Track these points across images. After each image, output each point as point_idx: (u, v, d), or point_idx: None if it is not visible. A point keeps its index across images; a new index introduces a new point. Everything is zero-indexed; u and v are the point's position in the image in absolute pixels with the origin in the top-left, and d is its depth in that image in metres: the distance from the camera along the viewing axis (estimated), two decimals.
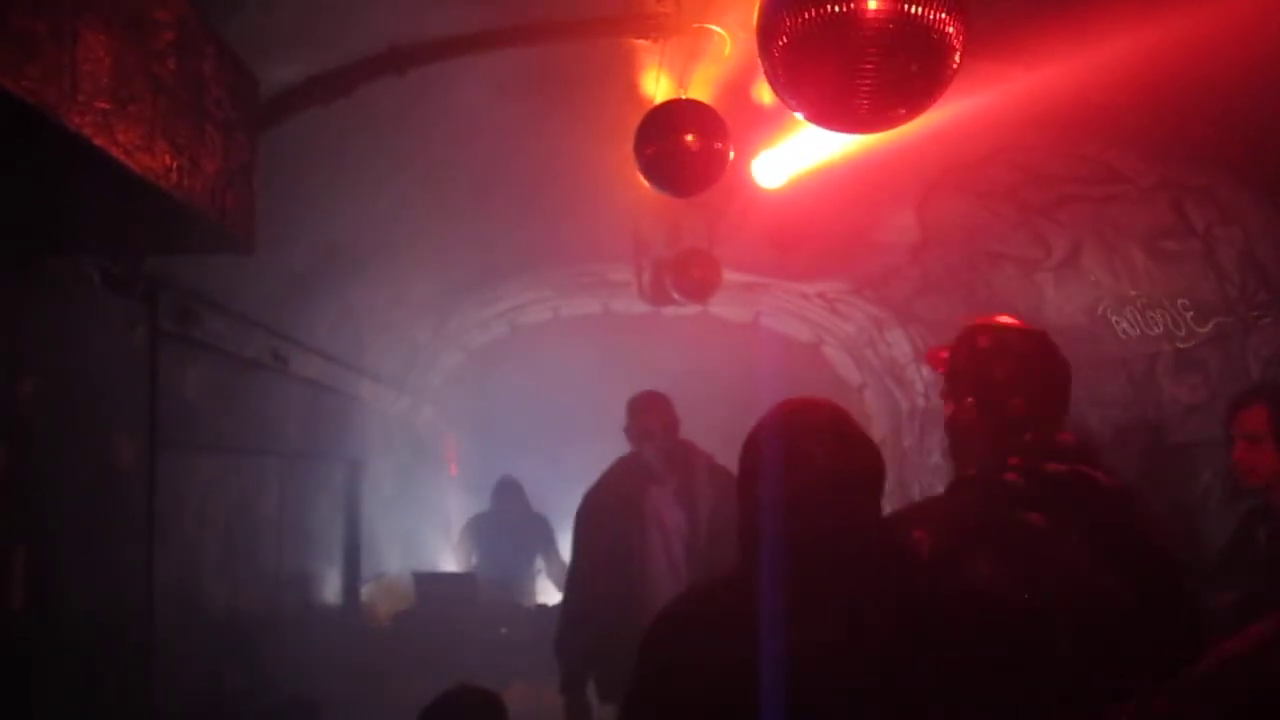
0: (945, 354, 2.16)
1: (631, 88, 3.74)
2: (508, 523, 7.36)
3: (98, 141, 2.02)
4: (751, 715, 1.59)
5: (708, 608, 1.82)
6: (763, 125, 3.82)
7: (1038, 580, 1.76)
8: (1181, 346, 3.99)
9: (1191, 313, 3.89)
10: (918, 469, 7.01)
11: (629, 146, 3.35)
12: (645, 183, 3.46)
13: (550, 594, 7.51)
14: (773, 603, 1.63)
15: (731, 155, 3.34)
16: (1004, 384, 1.97)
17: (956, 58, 1.93)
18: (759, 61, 2.03)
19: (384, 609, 6.79)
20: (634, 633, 2.22)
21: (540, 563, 7.40)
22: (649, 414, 4.07)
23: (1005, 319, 2.14)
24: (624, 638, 3.53)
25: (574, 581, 4.19)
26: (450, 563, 8.39)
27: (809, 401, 1.85)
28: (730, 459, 2.05)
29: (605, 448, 7.89)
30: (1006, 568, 1.77)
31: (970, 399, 2.01)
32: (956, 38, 1.90)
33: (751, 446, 1.84)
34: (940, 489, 6.46)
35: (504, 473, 7.57)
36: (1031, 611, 1.74)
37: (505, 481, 7.51)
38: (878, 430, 7.98)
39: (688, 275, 5.39)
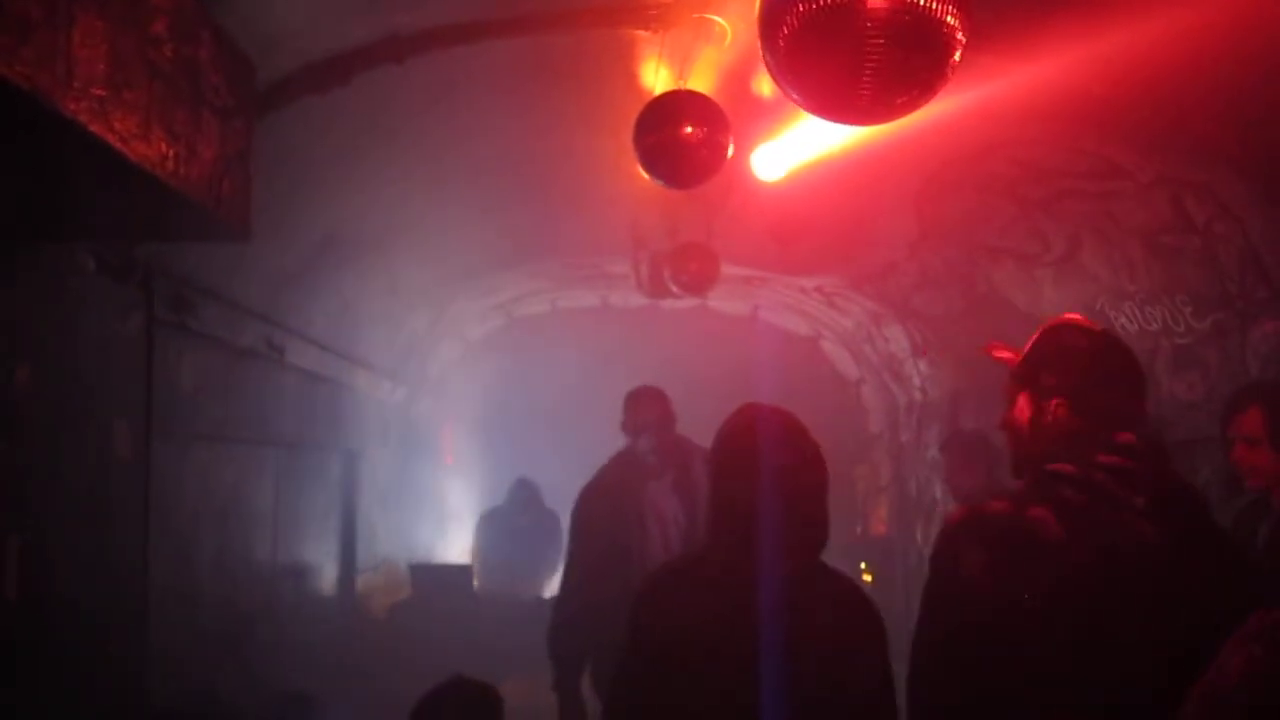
0: (1008, 351, 2.15)
1: (631, 78, 3.72)
2: (520, 520, 7.46)
3: (93, 128, 2.01)
4: (743, 663, 1.97)
5: (697, 569, 2.21)
6: (762, 117, 3.80)
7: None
8: (1180, 342, 3.99)
9: (1190, 308, 3.88)
10: (915, 464, 7.01)
11: (628, 138, 3.34)
12: (644, 174, 3.45)
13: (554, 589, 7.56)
14: (772, 568, 2.01)
15: (731, 147, 3.32)
16: (1099, 384, 1.96)
17: (958, 50, 1.92)
18: (760, 52, 2.02)
19: (380, 600, 6.79)
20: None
21: (550, 560, 7.47)
22: (645, 409, 4.08)
23: (1080, 319, 2.12)
24: (620, 624, 3.57)
25: (568, 579, 4.17)
26: (447, 554, 8.41)
27: (772, 408, 2.28)
28: None
29: (602, 439, 7.89)
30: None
31: (1058, 399, 2.00)
32: (958, 30, 1.89)
33: (731, 441, 2.24)
34: (937, 484, 6.47)
35: (520, 475, 7.70)
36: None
37: (523, 483, 7.64)
38: (875, 425, 7.99)
39: (686, 268, 5.38)
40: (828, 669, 2.06)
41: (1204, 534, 1.89)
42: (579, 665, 4.07)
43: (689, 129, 3.23)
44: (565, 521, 7.50)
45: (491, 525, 7.79)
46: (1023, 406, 2.05)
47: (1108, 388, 1.96)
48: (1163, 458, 1.93)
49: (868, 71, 1.90)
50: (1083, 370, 1.98)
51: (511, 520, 7.56)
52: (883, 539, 7.51)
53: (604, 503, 4.12)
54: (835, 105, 2.05)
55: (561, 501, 7.99)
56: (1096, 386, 1.96)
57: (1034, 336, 2.09)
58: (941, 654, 1.86)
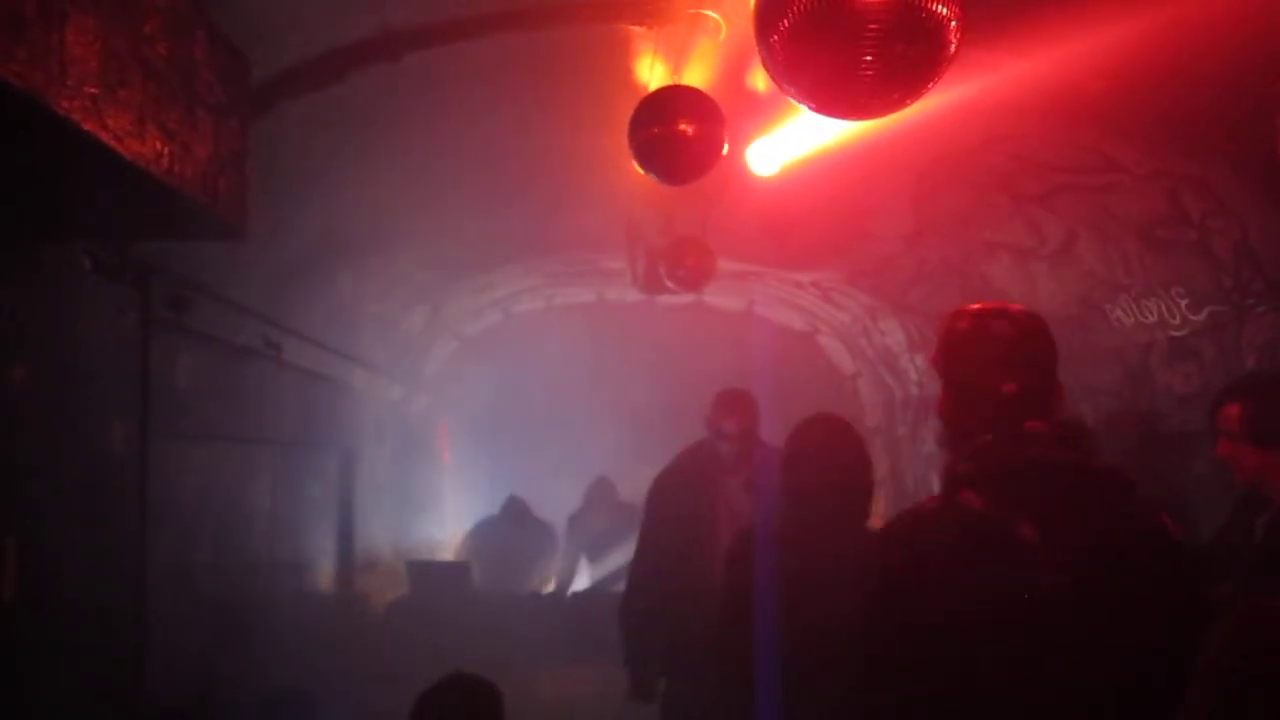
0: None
1: (626, 74, 3.71)
2: (512, 534, 7.48)
3: (87, 127, 2.00)
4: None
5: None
6: (757, 112, 3.80)
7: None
8: (1176, 335, 4.00)
9: (1186, 301, 3.89)
10: (911, 458, 7.02)
11: (623, 133, 3.34)
12: (639, 170, 3.45)
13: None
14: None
15: (726, 142, 3.32)
16: (989, 368, 1.94)
17: (954, 44, 1.92)
18: (755, 47, 2.02)
19: (378, 597, 6.79)
20: (697, 611, 3.53)
21: (541, 568, 7.52)
22: (728, 414, 4.09)
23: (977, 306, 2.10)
24: (686, 616, 3.85)
25: (638, 566, 4.28)
26: (444, 551, 8.41)
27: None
28: None
29: (598, 435, 7.91)
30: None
31: (951, 384, 2.00)
32: (954, 24, 1.90)
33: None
34: (933, 479, 6.46)
35: (512, 494, 7.74)
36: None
37: (514, 503, 7.67)
38: (871, 419, 7.99)
39: (682, 264, 5.37)
40: None
41: (1116, 527, 1.82)
42: (653, 653, 4.15)
43: (684, 124, 3.23)
44: (559, 530, 7.60)
45: (481, 536, 7.80)
46: (940, 395, 2.06)
47: (981, 372, 1.93)
48: (1070, 444, 1.88)
49: (864, 66, 1.90)
50: (954, 353, 1.98)
51: (503, 533, 7.58)
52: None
53: (677, 490, 4.20)
54: (832, 100, 2.05)
55: (560, 498, 8.04)
56: (965, 370, 1.96)
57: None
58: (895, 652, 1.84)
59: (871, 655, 1.88)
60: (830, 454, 2.90)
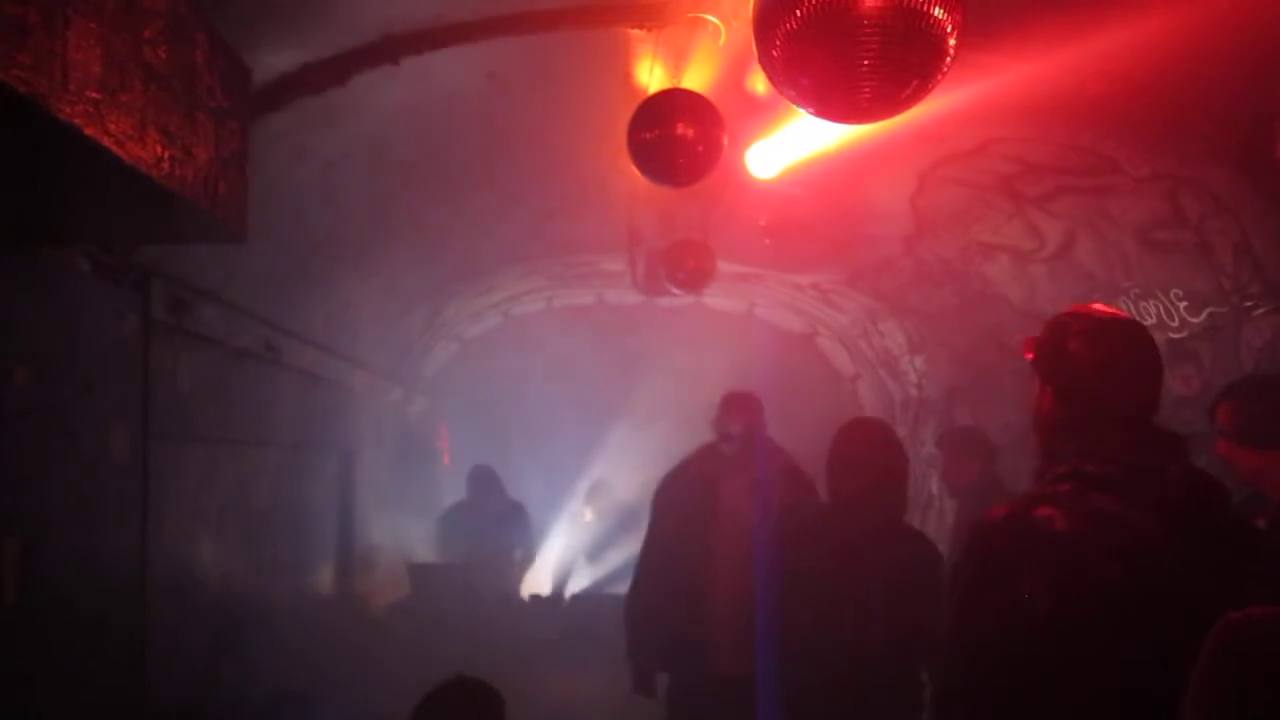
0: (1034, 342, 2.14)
1: (626, 77, 3.72)
2: (486, 512, 7.20)
3: (89, 131, 2.01)
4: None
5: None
6: (757, 115, 3.81)
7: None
8: (1175, 337, 4.00)
9: (1185, 303, 3.90)
10: (912, 459, 7.00)
11: (623, 136, 3.34)
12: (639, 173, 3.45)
13: (534, 586, 7.52)
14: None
15: (725, 145, 3.32)
16: (1106, 377, 1.93)
17: (952, 48, 1.93)
18: (754, 51, 2.03)
19: (378, 599, 6.79)
20: (699, 609, 3.93)
21: (519, 553, 7.35)
22: (736, 411, 4.17)
23: (1100, 308, 2.10)
24: (688, 613, 4.03)
25: (643, 564, 4.34)
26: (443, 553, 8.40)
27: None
28: None
29: (598, 437, 7.90)
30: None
31: (1047, 389, 2.00)
32: (952, 27, 1.90)
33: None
34: (933, 480, 6.47)
35: (478, 462, 7.39)
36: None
37: (480, 470, 7.31)
38: None
39: (682, 266, 5.38)
40: None
41: (1211, 527, 1.85)
42: (656, 649, 4.22)
43: (684, 127, 3.23)
44: (550, 512, 7.50)
45: (454, 519, 7.43)
46: (1036, 396, 2.06)
47: (1099, 378, 1.95)
48: (1167, 450, 1.91)
49: (864, 71, 1.91)
50: (1067, 359, 1.98)
51: (475, 510, 7.23)
52: None
53: (682, 490, 4.27)
54: (832, 104, 2.06)
55: (557, 498, 8.05)
56: (1082, 377, 1.96)
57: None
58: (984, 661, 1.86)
59: (972, 644, 1.87)
60: (873, 458, 3.26)
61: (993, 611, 1.83)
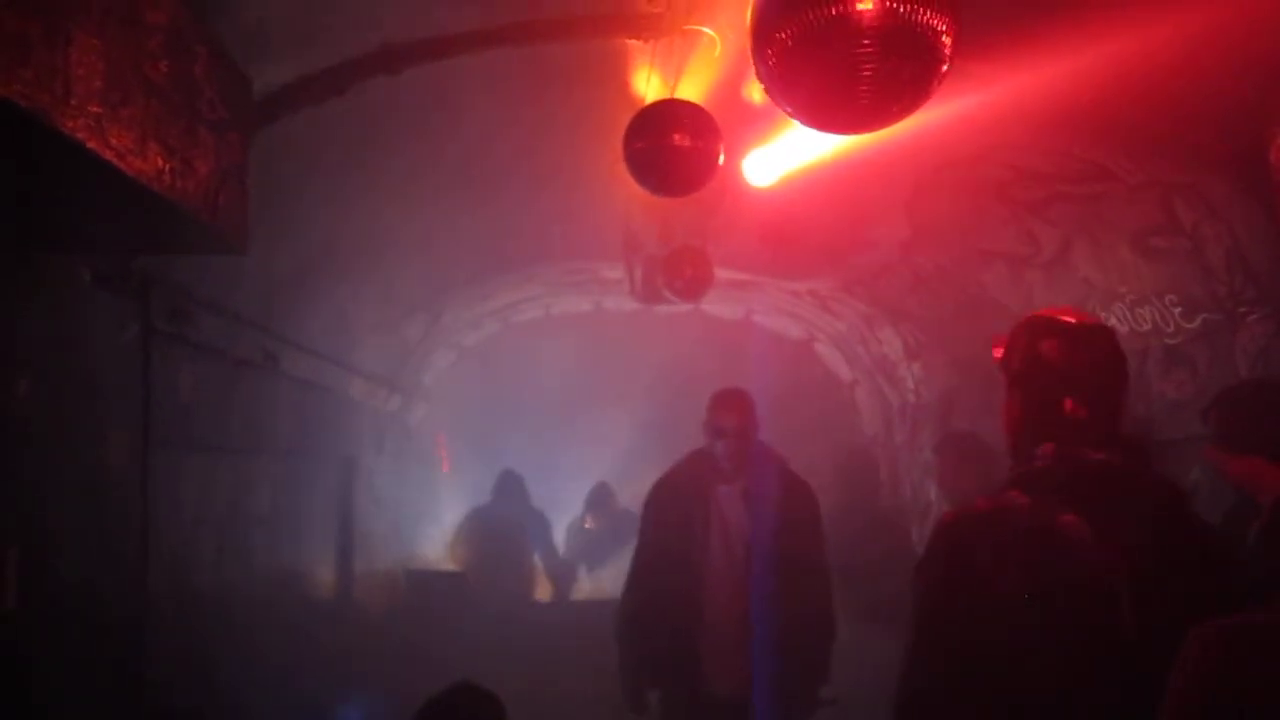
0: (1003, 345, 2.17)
1: (622, 87, 3.74)
2: (508, 517, 7.29)
3: (90, 145, 2.02)
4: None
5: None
6: (753, 124, 3.83)
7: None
8: (1170, 343, 4.02)
9: (1179, 309, 3.91)
10: (910, 465, 7.04)
11: (620, 145, 3.36)
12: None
13: (548, 591, 7.53)
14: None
15: (721, 156, 3.33)
16: (1061, 382, 1.96)
17: (948, 58, 1.95)
18: (750, 62, 2.05)
19: (378, 606, 6.79)
20: (690, 623, 3.75)
21: (538, 559, 7.39)
22: (725, 413, 3.99)
23: (1065, 314, 2.12)
24: (680, 627, 3.91)
25: (635, 571, 4.19)
26: (443, 561, 8.40)
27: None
28: None
29: (596, 444, 7.91)
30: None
31: (1013, 391, 2.02)
32: (948, 38, 1.92)
33: None
34: (931, 486, 6.48)
35: (505, 467, 7.51)
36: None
37: (507, 475, 7.43)
38: (869, 427, 8.01)
39: (680, 273, 5.40)
40: None
41: (1164, 531, 1.86)
42: (646, 662, 4.06)
43: (679, 137, 3.23)
44: (558, 520, 7.54)
45: (477, 523, 7.53)
46: (1005, 399, 2.09)
47: (1064, 382, 1.97)
48: (1130, 454, 1.93)
49: (860, 83, 1.93)
50: (1031, 362, 2.00)
51: (497, 515, 7.33)
52: None
53: (672, 498, 4.11)
54: (828, 116, 2.08)
55: (558, 505, 8.04)
56: (1044, 379, 1.99)
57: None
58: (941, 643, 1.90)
59: (924, 633, 1.92)
60: None
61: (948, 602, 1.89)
